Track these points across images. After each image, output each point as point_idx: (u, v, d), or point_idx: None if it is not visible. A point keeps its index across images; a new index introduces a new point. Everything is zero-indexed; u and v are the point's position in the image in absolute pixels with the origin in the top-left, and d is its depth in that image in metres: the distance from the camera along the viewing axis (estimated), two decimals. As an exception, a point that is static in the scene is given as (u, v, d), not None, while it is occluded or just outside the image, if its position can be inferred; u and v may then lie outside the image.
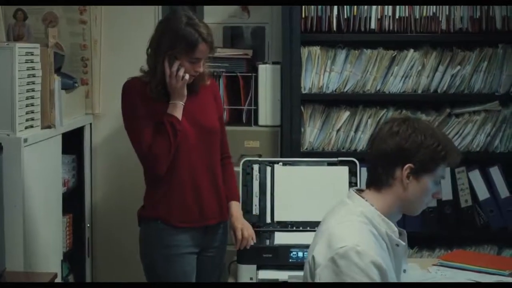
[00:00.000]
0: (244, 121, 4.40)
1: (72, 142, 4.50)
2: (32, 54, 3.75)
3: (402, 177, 2.53)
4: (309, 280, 2.53)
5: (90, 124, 4.70)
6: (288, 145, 4.24)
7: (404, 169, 2.53)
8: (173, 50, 3.32)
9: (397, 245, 2.55)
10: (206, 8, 4.68)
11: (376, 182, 2.58)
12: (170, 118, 3.34)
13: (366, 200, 2.57)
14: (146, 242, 3.47)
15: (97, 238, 4.79)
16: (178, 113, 3.35)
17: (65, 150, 4.29)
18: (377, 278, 2.39)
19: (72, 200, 4.55)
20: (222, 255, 3.59)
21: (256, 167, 3.72)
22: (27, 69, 3.69)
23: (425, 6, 4.24)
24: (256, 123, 4.38)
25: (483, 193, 4.37)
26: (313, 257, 2.50)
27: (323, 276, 2.44)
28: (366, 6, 4.24)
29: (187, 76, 3.34)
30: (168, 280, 3.40)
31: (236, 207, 3.57)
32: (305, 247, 3.32)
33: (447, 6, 4.25)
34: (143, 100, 3.37)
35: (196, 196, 3.42)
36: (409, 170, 2.52)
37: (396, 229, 2.55)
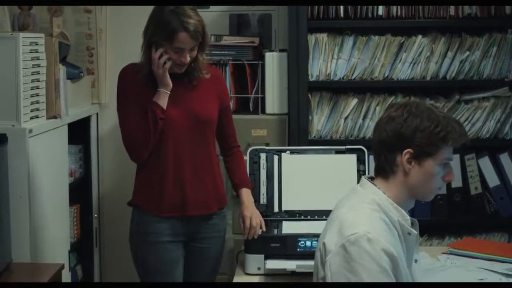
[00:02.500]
0: (251, 110, 4.36)
1: (79, 132, 4.48)
2: (37, 44, 3.72)
3: (403, 163, 2.49)
4: (320, 268, 2.50)
5: (97, 114, 4.67)
6: (296, 133, 4.20)
7: (403, 154, 2.49)
8: (155, 37, 3.30)
9: (409, 233, 2.52)
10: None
11: (382, 171, 2.55)
12: (152, 106, 3.33)
13: (378, 188, 2.54)
14: (130, 229, 3.49)
15: (104, 228, 4.78)
16: (162, 101, 3.33)
17: (72, 140, 4.27)
18: (387, 266, 2.36)
19: (80, 191, 4.53)
20: (217, 247, 3.56)
21: (263, 155, 3.69)
22: (32, 59, 3.66)
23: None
24: (263, 111, 4.34)
25: (493, 180, 4.32)
26: (323, 244, 2.47)
27: (333, 263, 2.41)
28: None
29: (167, 64, 3.32)
30: (149, 267, 3.41)
31: (246, 195, 3.54)
32: (313, 236, 3.29)
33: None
34: (133, 86, 3.37)
35: (178, 186, 3.40)
36: (408, 156, 2.48)
37: (408, 217, 2.52)
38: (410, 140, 2.48)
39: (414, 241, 2.56)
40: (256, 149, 3.72)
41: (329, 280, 2.42)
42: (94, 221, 4.68)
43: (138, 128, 3.34)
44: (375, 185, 2.56)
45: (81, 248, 4.58)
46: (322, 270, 2.48)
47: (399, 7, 4.21)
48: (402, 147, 2.49)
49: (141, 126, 3.33)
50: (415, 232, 2.54)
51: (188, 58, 3.33)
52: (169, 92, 3.35)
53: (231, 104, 4.08)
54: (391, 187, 2.53)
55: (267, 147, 3.74)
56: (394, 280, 2.38)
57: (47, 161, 3.82)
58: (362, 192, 2.56)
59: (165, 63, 3.31)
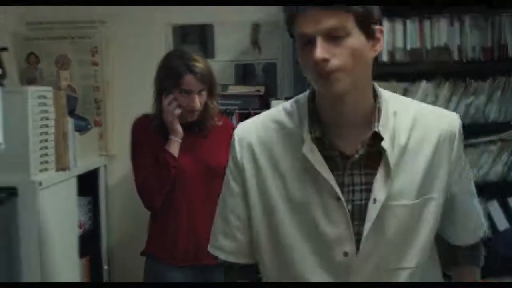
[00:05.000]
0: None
1: (88, 184, 4.49)
2: (45, 97, 3.76)
3: None
4: None
5: (105, 165, 4.70)
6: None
7: None
8: (164, 83, 3.35)
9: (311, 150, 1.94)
10: (217, 45, 4.70)
11: None
12: (164, 154, 3.36)
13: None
14: (144, 278, 3.50)
15: (115, 280, 4.77)
16: (173, 149, 3.37)
17: (81, 192, 4.29)
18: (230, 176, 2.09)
19: (89, 242, 4.53)
20: None
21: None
22: (40, 112, 3.69)
23: (436, 37, 4.23)
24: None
25: (502, 223, 4.32)
26: None
27: None
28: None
29: (177, 111, 3.35)
30: None
31: None
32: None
33: (458, 37, 4.23)
34: (146, 136, 3.40)
35: (192, 235, 3.41)
36: None
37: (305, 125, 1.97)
38: None
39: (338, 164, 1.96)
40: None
41: None
42: (105, 272, 4.67)
43: (150, 177, 3.37)
44: None
45: (91, 301, 4.57)
46: None
47: (403, 52, 4.24)
48: None
49: (154, 175, 3.36)
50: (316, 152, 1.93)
51: (198, 102, 3.36)
52: (180, 140, 3.37)
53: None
54: None
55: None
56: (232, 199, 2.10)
57: (57, 213, 3.83)
58: None
59: (175, 109, 3.35)
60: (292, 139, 1.96)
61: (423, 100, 4.28)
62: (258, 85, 4.55)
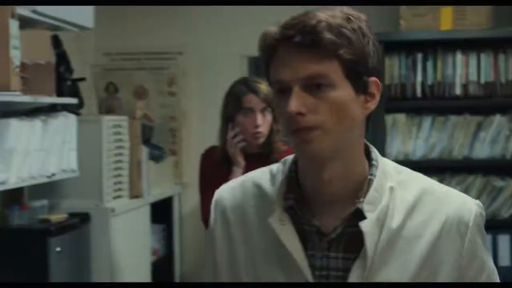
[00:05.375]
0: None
1: (162, 212, 4.58)
2: (120, 126, 3.86)
3: None
4: None
5: (179, 193, 4.78)
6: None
7: None
8: (227, 109, 3.40)
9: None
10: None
11: None
12: None
13: None
14: None
15: (186, 307, 4.83)
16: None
17: (155, 220, 4.37)
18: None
19: (162, 269, 4.61)
20: None
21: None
22: (115, 141, 3.80)
23: (510, 70, 4.20)
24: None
25: (504, 259, 4.23)
26: None
27: None
28: (450, 73, 4.23)
29: (241, 144, 3.40)
30: None
31: None
32: None
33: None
34: (211, 168, 3.44)
35: None
36: None
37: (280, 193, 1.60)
38: None
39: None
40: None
41: None
42: (176, 299, 4.74)
43: None
44: None
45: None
46: None
47: (476, 85, 4.22)
48: None
49: None
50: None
51: (260, 120, 3.38)
52: (242, 170, 3.41)
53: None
54: None
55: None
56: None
57: (129, 239, 3.92)
58: None
59: (238, 142, 3.40)
60: (266, 206, 1.60)
61: (497, 134, 4.24)
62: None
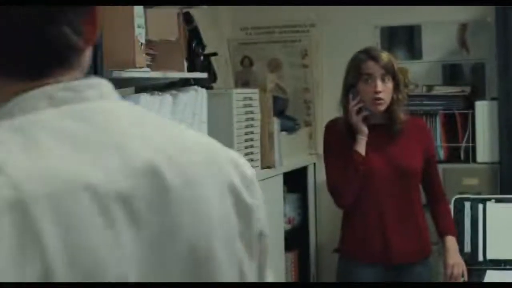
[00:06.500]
0: (462, 159, 4.37)
1: (297, 181, 4.69)
2: (251, 99, 3.98)
3: None
4: None
5: (314, 163, 4.86)
6: (508, 182, 4.16)
7: None
8: (348, 78, 3.45)
9: None
10: (425, 46, 4.72)
11: None
12: (352, 153, 3.44)
13: None
14: (336, 275, 3.61)
15: (322, 275, 4.91)
16: (360, 148, 3.44)
17: (291, 189, 4.49)
18: None
19: (298, 238, 4.72)
20: None
21: (467, 204, 3.70)
22: (246, 113, 3.92)
23: None
24: (474, 160, 4.34)
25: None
26: None
27: None
28: None
29: (363, 113, 3.43)
30: None
31: (450, 243, 3.56)
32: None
33: None
34: (335, 138, 3.52)
35: (381, 234, 3.46)
36: None
37: None
38: None
39: None
40: (461, 198, 3.74)
41: None
42: (312, 268, 4.83)
43: (340, 176, 3.48)
44: None
45: (298, 294, 4.76)
46: None
47: None
48: None
49: (343, 174, 3.47)
50: None
51: (380, 86, 3.41)
52: (366, 138, 3.45)
53: (442, 154, 4.13)
54: None
55: (471, 196, 3.75)
56: None
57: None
58: None
59: (360, 111, 3.44)
60: None
61: None
62: (465, 86, 4.53)
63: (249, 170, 1.15)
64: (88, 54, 1.06)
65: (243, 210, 1.13)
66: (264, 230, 1.20)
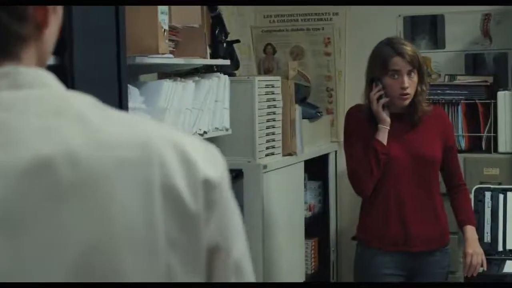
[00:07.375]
0: (483, 148, 4.37)
1: (318, 169, 4.71)
2: (273, 86, 4.00)
3: None
4: None
5: (335, 151, 4.88)
6: (530, 173, 4.16)
7: None
8: (373, 71, 3.45)
9: None
10: (448, 36, 4.71)
11: None
12: (373, 142, 3.45)
13: None
14: (354, 262, 3.63)
15: (342, 262, 4.94)
16: (382, 137, 3.45)
17: (312, 176, 4.51)
18: None
19: (318, 225, 4.75)
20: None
21: (488, 194, 3.70)
22: (267, 100, 3.94)
23: None
24: (495, 150, 4.33)
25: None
26: None
27: None
28: None
29: (383, 100, 3.44)
30: None
31: (470, 232, 3.56)
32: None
33: None
34: (356, 125, 3.52)
35: (400, 222, 3.47)
36: None
37: None
38: None
39: None
40: (481, 188, 3.74)
41: None
42: (332, 254, 4.86)
43: (361, 164, 3.50)
44: None
45: (318, 280, 4.77)
46: None
47: None
48: None
49: (364, 162, 3.48)
50: None
51: (407, 82, 3.42)
52: (388, 127, 3.46)
53: (463, 144, 4.13)
54: None
55: (492, 186, 3.75)
56: None
57: (282, 195, 4.07)
58: None
59: (380, 98, 3.45)
60: None
61: None
62: (487, 76, 4.53)
63: (214, 174, 1.03)
64: (50, 39, 0.97)
65: (182, 216, 0.99)
66: (226, 243, 1.05)
